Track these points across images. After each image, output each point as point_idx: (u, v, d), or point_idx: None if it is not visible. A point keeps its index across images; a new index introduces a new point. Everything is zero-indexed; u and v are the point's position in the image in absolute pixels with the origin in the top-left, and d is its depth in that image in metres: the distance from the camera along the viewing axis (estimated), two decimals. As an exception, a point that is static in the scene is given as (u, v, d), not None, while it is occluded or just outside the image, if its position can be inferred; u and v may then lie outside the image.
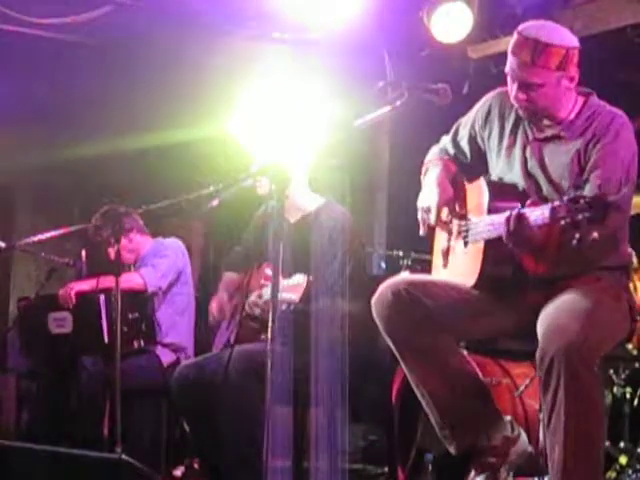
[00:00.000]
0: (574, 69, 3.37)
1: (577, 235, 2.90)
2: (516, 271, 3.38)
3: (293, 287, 4.07)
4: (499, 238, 3.22)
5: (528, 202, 3.25)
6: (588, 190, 3.26)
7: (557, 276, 3.34)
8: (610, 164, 3.28)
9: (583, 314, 3.18)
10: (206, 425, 4.46)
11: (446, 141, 3.80)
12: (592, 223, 2.86)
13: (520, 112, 3.46)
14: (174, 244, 5.53)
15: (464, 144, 3.72)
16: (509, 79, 3.42)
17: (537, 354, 3.16)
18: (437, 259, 3.75)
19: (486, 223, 3.35)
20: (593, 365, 3.13)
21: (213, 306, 4.81)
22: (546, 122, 3.46)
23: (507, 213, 3.16)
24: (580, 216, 2.87)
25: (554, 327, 3.17)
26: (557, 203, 2.96)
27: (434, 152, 3.82)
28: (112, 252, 5.19)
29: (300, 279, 4.14)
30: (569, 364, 3.06)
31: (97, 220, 5.30)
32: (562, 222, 2.93)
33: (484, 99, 3.68)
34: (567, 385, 3.08)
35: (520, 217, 3.11)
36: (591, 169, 3.30)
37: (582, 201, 2.88)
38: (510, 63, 3.38)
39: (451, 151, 3.76)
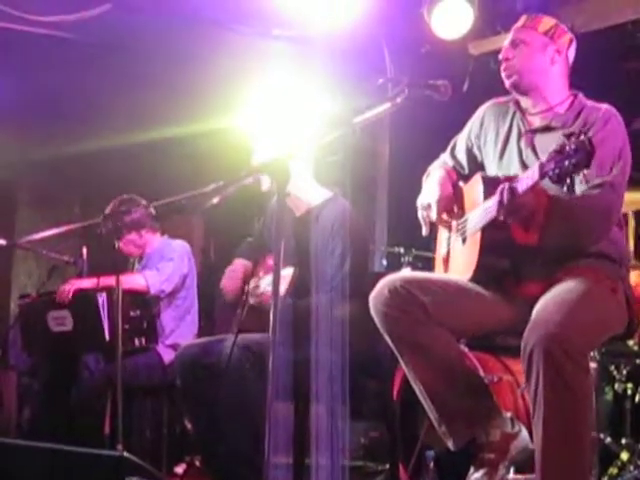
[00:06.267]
0: (562, 46, 3.53)
1: (567, 181, 2.94)
2: (514, 257, 3.39)
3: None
4: (494, 223, 3.26)
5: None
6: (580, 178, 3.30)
7: (549, 248, 3.33)
8: (602, 151, 3.29)
9: (568, 305, 3.18)
10: (207, 416, 4.47)
11: (445, 156, 3.88)
12: (578, 167, 2.92)
13: (506, 84, 3.55)
14: (181, 247, 5.52)
15: (461, 156, 3.79)
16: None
17: (521, 346, 3.17)
18: (438, 265, 3.79)
19: (481, 210, 3.38)
20: (575, 355, 3.10)
21: (227, 285, 4.74)
22: (535, 106, 3.53)
23: (500, 187, 3.22)
24: (567, 162, 2.93)
25: (537, 318, 3.18)
26: (545, 158, 3.04)
27: (434, 165, 3.90)
28: (118, 244, 5.20)
29: (287, 272, 4.14)
30: (548, 354, 3.06)
31: (113, 206, 5.26)
32: (550, 174, 2.99)
33: (478, 111, 3.78)
34: (546, 375, 3.08)
35: (512, 189, 3.18)
36: None
37: (567, 148, 2.94)
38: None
39: (450, 163, 3.83)
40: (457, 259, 3.62)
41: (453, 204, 3.64)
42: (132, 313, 5.12)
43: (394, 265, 5.60)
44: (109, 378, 4.86)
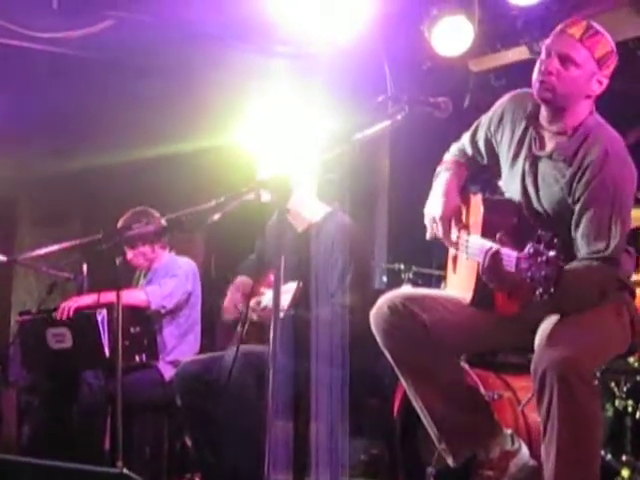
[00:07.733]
0: (605, 77, 3.36)
1: (539, 290, 2.91)
2: None
3: (283, 293, 4.08)
4: None
5: (501, 235, 3.20)
6: (579, 235, 3.26)
7: (531, 316, 3.29)
8: (597, 206, 3.23)
9: (577, 327, 3.18)
10: (207, 433, 4.46)
11: (465, 140, 3.75)
12: (548, 280, 2.87)
13: (536, 94, 3.35)
14: (186, 265, 5.51)
15: (481, 145, 3.68)
16: (544, 57, 3.32)
17: (531, 367, 3.17)
18: (449, 263, 3.75)
19: (478, 245, 3.32)
20: (587, 377, 3.12)
21: (227, 306, 4.76)
22: (551, 123, 3.41)
23: (487, 246, 3.16)
24: (537, 274, 2.89)
25: (547, 340, 3.17)
26: (522, 254, 2.98)
27: (453, 151, 3.79)
28: (129, 254, 5.30)
29: (291, 286, 4.15)
30: (561, 376, 3.06)
31: (127, 218, 5.26)
32: (524, 275, 2.95)
33: (500, 101, 3.63)
34: (559, 397, 3.08)
35: (495, 256, 3.12)
36: (580, 211, 3.27)
37: (539, 259, 2.89)
38: (553, 40, 3.32)
39: (469, 151, 3.72)
40: (462, 268, 3.59)
41: (460, 214, 3.58)
42: (132, 330, 5.11)
43: (394, 282, 5.59)
44: (109, 394, 4.85)
